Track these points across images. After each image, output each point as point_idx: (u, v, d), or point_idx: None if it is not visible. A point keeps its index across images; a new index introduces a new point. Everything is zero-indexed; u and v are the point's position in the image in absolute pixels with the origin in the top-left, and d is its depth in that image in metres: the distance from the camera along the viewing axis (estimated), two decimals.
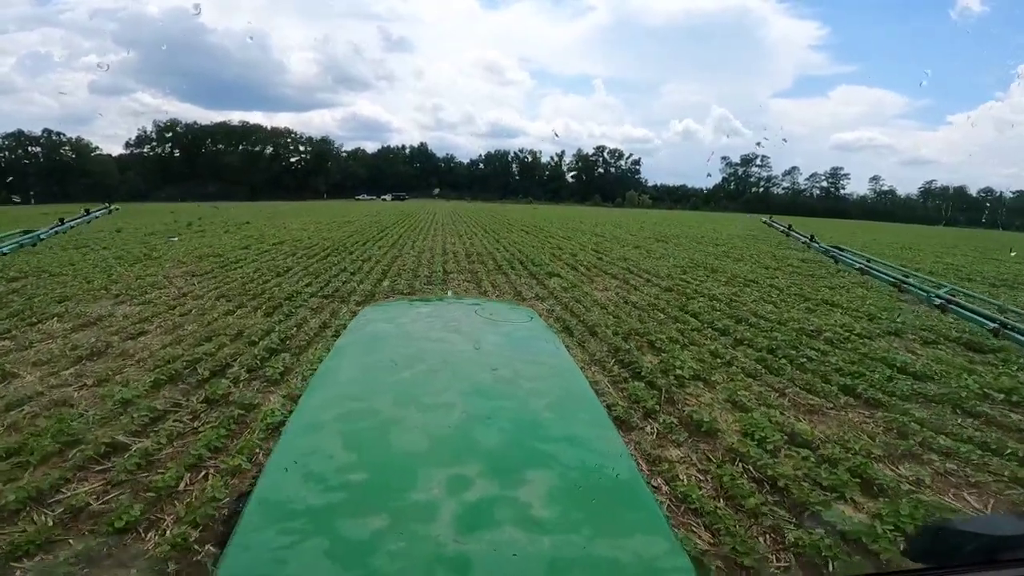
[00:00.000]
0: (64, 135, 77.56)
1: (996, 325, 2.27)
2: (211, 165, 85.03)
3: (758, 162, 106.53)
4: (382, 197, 79.71)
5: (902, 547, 2.65)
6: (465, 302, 3.16)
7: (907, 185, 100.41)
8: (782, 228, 4.47)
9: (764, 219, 5.24)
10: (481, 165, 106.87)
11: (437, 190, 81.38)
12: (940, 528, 0.93)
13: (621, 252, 15.70)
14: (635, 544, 0.96)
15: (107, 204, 4.48)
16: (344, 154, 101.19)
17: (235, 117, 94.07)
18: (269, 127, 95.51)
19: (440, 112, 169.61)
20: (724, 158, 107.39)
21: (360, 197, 79.92)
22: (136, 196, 62.13)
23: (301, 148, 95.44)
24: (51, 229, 3.41)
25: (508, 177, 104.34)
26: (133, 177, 77.27)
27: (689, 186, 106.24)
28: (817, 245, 4.02)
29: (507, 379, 1.63)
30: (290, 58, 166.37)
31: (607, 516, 1.02)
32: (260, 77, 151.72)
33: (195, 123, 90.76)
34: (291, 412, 1.52)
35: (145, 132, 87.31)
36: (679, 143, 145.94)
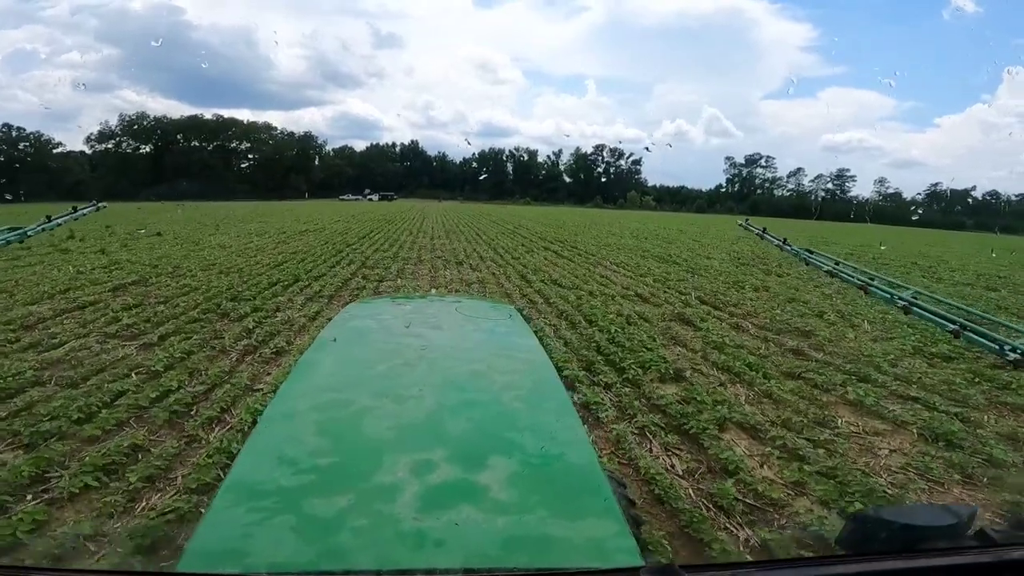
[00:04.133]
0: (24, 130, 70.00)
1: (956, 327, 2.21)
2: (183, 162, 77.56)
3: (762, 162, 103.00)
4: (368, 197, 72.86)
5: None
6: (447, 300, 3.22)
7: (898, 186, 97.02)
8: (757, 231, 4.06)
9: (740, 222, 4.71)
10: (475, 164, 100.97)
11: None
12: (866, 517, 0.89)
13: (759, 308, 8.74)
14: (586, 526, 0.98)
15: (95, 202, 4.04)
16: (331, 152, 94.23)
17: (221, 115, 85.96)
18: (246, 122, 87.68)
19: (431, 111, 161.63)
20: (728, 158, 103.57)
21: (344, 197, 73.15)
22: (103, 195, 55.57)
23: (282, 144, 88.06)
24: (39, 226, 3.11)
25: (502, 176, 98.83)
26: (102, 175, 70.22)
27: (689, 187, 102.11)
28: (790, 248, 3.65)
29: (480, 372, 1.66)
30: (278, 55, 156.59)
31: (563, 500, 1.05)
32: (247, 74, 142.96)
33: (164, 117, 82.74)
34: (269, 401, 1.54)
35: (109, 127, 78.99)
36: (671, 143, 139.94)
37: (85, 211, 3.80)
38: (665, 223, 38.01)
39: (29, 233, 3.06)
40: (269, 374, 5.03)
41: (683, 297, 8.96)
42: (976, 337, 2.22)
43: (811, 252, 3.63)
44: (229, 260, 11.63)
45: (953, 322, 2.34)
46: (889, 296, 2.86)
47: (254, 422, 3.26)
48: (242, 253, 13.01)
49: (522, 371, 1.70)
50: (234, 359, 5.36)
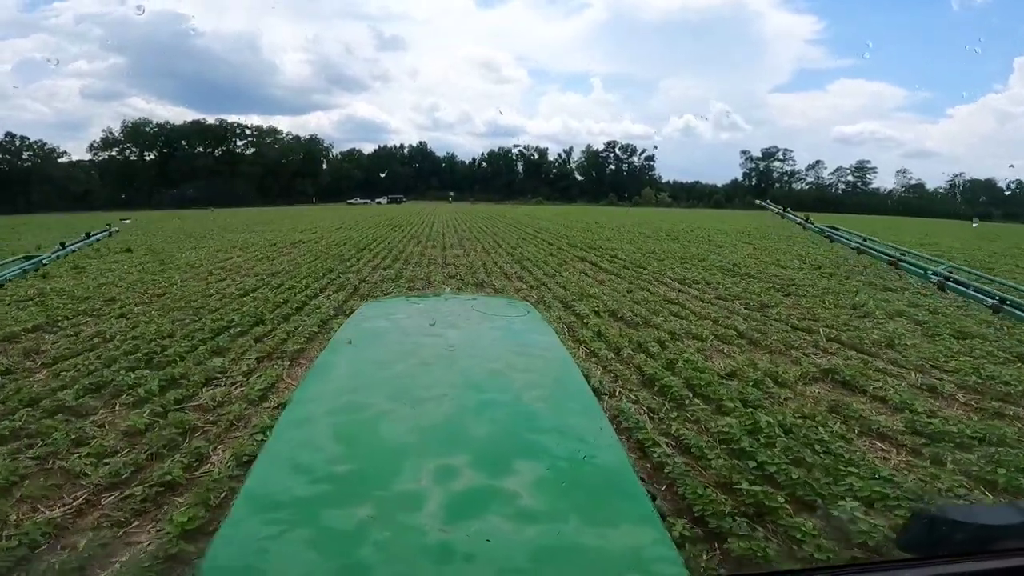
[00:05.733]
0: (28, 139, 68.81)
1: (995, 301, 2.14)
2: (188, 168, 75.86)
3: (780, 156, 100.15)
4: (376, 200, 70.55)
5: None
6: (462, 298, 3.09)
7: (918, 177, 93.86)
8: (777, 210, 4.00)
9: (759, 200, 4.70)
10: (484, 164, 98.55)
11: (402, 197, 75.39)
12: (931, 518, 0.82)
13: (930, 352, 6.00)
14: (622, 534, 0.92)
15: (108, 226, 3.97)
16: (339, 155, 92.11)
17: (226, 119, 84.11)
18: (251, 126, 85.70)
19: (437, 112, 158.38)
20: (743, 152, 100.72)
21: (353, 201, 70.96)
22: (110, 204, 54.38)
23: (288, 148, 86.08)
24: (53, 254, 3.17)
25: (512, 176, 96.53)
26: (108, 182, 68.80)
27: (703, 182, 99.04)
28: (812, 226, 3.59)
29: (500, 372, 1.59)
30: (283, 60, 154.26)
31: (595, 505, 0.98)
32: (254, 79, 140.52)
33: (167, 123, 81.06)
34: (284, 406, 1.46)
35: (112, 134, 77.42)
36: (680, 139, 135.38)
37: (99, 236, 3.72)
38: (695, 220, 35.08)
39: (44, 261, 3.02)
40: (128, 546, 2.47)
41: (805, 336, 6.24)
42: (1015, 311, 2.05)
43: (836, 229, 3.41)
44: (185, 287, 9.10)
45: (992, 296, 2.16)
46: (922, 271, 2.73)
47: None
48: (208, 276, 10.48)
49: (544, 370, 1.64)
50: (78, 502, 2.79)
